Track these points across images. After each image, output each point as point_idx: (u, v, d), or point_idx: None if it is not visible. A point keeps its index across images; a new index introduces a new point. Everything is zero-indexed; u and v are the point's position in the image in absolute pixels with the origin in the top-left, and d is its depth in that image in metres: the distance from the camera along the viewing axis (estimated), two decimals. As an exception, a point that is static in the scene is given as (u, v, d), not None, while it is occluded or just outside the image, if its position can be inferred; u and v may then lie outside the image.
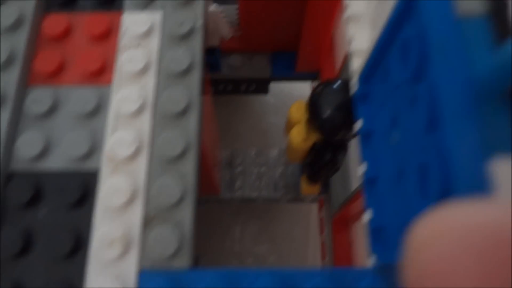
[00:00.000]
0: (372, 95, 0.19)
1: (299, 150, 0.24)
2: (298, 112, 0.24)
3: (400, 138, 0.15)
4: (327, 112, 0.22)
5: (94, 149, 0.18)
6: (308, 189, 0.28)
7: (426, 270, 0.09)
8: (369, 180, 0.18)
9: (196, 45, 0.20)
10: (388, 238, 0.16)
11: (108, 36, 0.20)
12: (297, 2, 0.29)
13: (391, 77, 0.16)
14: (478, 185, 0.10)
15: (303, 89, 0.40)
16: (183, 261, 0.16)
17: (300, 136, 0.23)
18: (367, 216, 0.17)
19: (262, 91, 0.38)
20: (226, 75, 0.35)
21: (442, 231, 0.09)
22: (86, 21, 0.21)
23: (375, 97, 0.18)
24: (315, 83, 0.37)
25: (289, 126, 0.25)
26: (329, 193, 0.31)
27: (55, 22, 0.21)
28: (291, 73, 0.35)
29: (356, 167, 0.29)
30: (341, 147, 0.24)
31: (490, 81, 0.11)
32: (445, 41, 0.12)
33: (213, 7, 0.29)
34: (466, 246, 0.08)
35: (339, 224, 0.29)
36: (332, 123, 0.22)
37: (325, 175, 0.26)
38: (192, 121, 0.19)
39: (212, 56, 0.33)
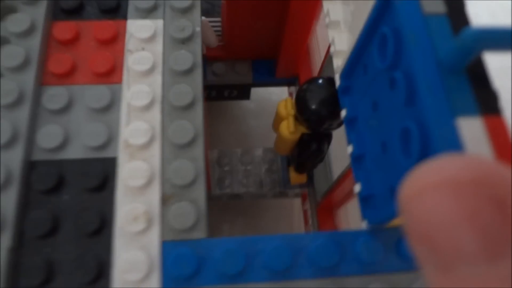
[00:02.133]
0: (353, 87, 0.22)
1: (288, 142, 0.27)
2: (286, 108, 0.26)
3: (381, 116, 0.18)
4: (313, 106, 0.24)
5: (111, 139, 0.20)
6: (296, 178, 0.30)
7: (417, 219, 0.09)
8: (356, 158, 0.20)
9: (197, 47, 0.23)
10: (376, 203, 0.19)
11: (114, 40, 0.23)
12: (276, 17, 0.32)
13: (370, 69, 0.19)
14: (451, 139, 0.13)
15: (280, 93, 0.43)
16: (201, 233, 0.18)
17: (289, 129, 0.26)
18: (357, 189, 0.20)
19: (244, 96, 0.40)
20: (211, 81, 0.38)
21: (429, 183, 0.10)
22: (93, 28, 0.23)
23: (356, 89, 0.21)
24: (292, 88, 0.40)
25: (277, 121, 0.28)
26: (312, 186, 0.34)
27: (64, 28, 0.22)
28: (271, 79, 0.38)
29: (335, 161, 0.32)
30: (326, 138, 0.27)
31: (452, 61, 0.14)
32: (416, 34, 0.15)
33: (202, 18, 0.32)
34: (450, 194, 0.09)
35: (324, 212, 0.32)
36: (318, 115, 0.24)
37: (312, 165, 0.28)
38: (198, 112, 0.21)
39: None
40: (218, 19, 0.35)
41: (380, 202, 0.18)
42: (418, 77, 0.15)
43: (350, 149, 0.21)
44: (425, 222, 0.09)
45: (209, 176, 0.35)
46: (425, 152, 0.14)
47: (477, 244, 0.09)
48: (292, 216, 0.39)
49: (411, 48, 0.15)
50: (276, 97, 0.44)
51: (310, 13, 0.31)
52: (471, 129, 0.14)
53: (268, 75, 0.38)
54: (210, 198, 0.35)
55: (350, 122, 0.21)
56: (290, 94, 0.41)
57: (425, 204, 0.09)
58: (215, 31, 0.36)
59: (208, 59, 0.38)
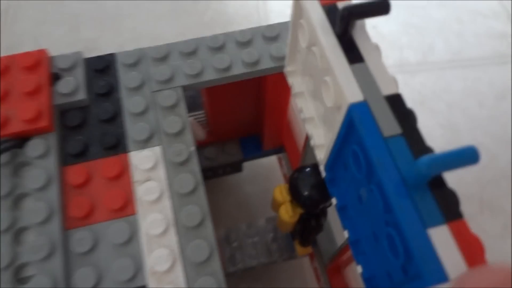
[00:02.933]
0: (338, 179, 0.25)
1: (289, 224, 0.29)
2: (281, 194, 0.29)
3: (367, 209, 0.21)
4: (305, 192, 0.27)
5: (138, 270, 0.23)
6: (303, 251, 0.33)
7: None
8: (353, 243, 0.23)
9: (195, 167, 0.26)
10: (380, 284, 0.21)
11: (122, 175, 0.25)
12: (253, 98, 0.36)
13: (349, 169, 0.22)
14: (426, 249, 0.16)
15: (270, 157, 0.46)
16: None
17: (288, 214, 0.29)
18: (359, 270, 0.22)
19: (237, 170, 0.43)
20: (204, 165, 0.41)
21: None
22: (101, 167, 0.26)
23: (341, 180, 0.24)
24: (281, 155, 0.43)
25: (275, 205, 0.31)
26: (318, 247, 0.36)
27: (76, 173, 0.25)
28: (259, 152, 0.41)
29: (336, 226, 0.35)
30: (322, 214, 0.29)
31: (414, 180, 0.17)
32: (380, 157, 0.18)
33: (189, 119, 0.35)
34: None
35: (333, 272, 0.34)
36: (311, 199, 0.27)
37: (314, 237, 0.31)
38: (208, 228, 0.24)
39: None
40: (202, 112, 0.39)
41: (383, 284, 0.21)
42: (389, 197, 0.18)
43: (346, 234, 0.24)
44: None
45: (220, 254, 0.37)
46: (407, 254, 0.17)
47: None
48: (303, 274, 0.42)
49: (378, 171, 0.18)
50: (266, 161, 0.47)
51: (285, 90, 0.34)
52: (440, 236, 0.17)
53: (256, 149, 0.41)
54: (226, 275, 0.38)
55: (341, 210, 0.24)
56: (279, 159, 0.44)
57: None
58: (200, 121, 0.39)
59: (199, 145, 0.41)
